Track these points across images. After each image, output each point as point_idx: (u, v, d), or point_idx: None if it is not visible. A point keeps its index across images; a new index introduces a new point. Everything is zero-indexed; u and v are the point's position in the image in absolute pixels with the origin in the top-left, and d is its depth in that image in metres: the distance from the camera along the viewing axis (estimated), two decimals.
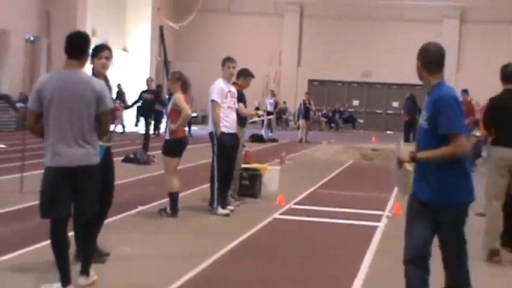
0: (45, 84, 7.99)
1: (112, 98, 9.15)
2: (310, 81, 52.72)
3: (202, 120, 35.04)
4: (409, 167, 6.64)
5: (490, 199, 11.07)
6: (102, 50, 9.60)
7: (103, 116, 8.23)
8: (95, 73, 9.26)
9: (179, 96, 13.38)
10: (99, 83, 8.33)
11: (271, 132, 38.87)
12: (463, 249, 6.66)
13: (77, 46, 8.18)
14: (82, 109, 7.95)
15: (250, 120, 19.78)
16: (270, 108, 41.70)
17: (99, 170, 8.49)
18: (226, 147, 13.77)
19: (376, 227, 13.09)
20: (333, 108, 53.07)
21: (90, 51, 8.83)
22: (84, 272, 8.44)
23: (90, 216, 8.47)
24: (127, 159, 22.04)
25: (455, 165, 6.60)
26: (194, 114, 31.47)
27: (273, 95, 44.49)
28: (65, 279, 7.96)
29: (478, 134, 18.73)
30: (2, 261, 9.47)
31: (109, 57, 9.65)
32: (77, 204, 8.17)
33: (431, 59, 6.84)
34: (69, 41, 8.15)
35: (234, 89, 14.21)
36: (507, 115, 10.95)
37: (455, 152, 6.50)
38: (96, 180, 8.40)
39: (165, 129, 15.15)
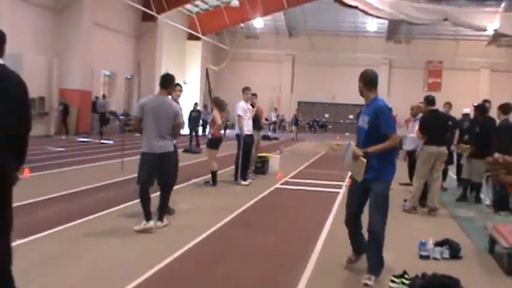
0: (146, 103, 8.63)
1: (182, 115, 9.17)
2: (299, 102, 52.38)
3: (232, 126, 34.93)
4: (364, 159, 6.29)
5: (419, 177, 11.21)
6: (178, 86, 10.15)
7: (176, 125, 8.74)
8: (173, 98, 9.39)
9: (216, 112, 13.55)
10: (176, 106, 8.93)
11: (274, 133, 38.82)
12: (385, 206, 6.43)
13: (166, 82, 8.79)
14: (165, 120, 8.54)
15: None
16: (273, 119, 41.83)
17: (173, 155, 9.06)
18: (246, 143, 13.90)
19: (338, 192, 13.16)
20: (313, 118, 53.16)
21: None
22: (160, 218, 8.70)
23: (168, 184, 8.93)
24: (186, 150, 22.18)
25: (388, 155, 6.47)
26: (228, 122, 31.50)
27: (276, 110, 44.45)
28: (148, 217, 8.35)
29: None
30: (112, 211, 9.53)
31: (181, 90, 10.43)
32: (160, 176, 8.66)
33: (369, 80, 6.62)
34: (162, 79, 8.85)
35: (250, 107, 14.29)
36: (433, 126, 11.21)
37: (392, 145, 6.39)
38: (171, 161, 9.00)
39: (208, 131, 15.13)
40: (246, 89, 14.35)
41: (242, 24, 47.20)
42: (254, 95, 14.98)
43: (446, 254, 7.58)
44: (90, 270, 6.34)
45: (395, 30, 49.76)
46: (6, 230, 5.05)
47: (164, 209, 8.90)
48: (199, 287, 5.96)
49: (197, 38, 43.62)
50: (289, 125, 46.66)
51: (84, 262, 6.63)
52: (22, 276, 5.34)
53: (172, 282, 6.04)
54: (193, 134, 24.90)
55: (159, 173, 8.62)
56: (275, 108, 45.14)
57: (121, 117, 32.94)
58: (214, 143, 13.57)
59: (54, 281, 5.87)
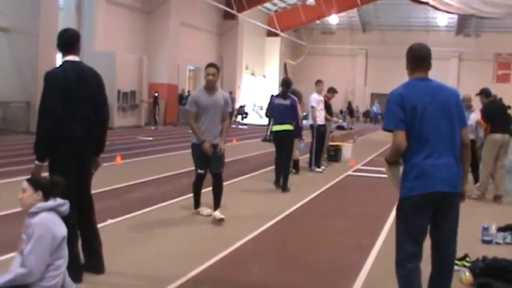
0: (197, 97, 7.87)
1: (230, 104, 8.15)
2: (372, 94, 51.90)
3: (305, 117, 34.79)
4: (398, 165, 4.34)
5: (486, 166, 10.82)
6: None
7: (228, 113, 8.05)
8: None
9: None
10: (227, 95, 8.23)
11: (349, 124, 38.36)
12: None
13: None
14: (217, 111, 7.85)
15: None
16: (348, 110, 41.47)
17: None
18: (319, 132, 13.81)
19: None
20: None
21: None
22: (216, 208, 7.94)
23: (218, 172, 7.89)
24: (264, 139, 22.32)
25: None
26: (304, 114, 31.33)
27: (349, 102, 43.96)
28: (197, 204, 8.16)
29: None
30: (175, 201, 9.61)
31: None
32: (212, 166, 7.84)
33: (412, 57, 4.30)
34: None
35: (323, 99, 14.16)
36: (495, 115, 10.92)
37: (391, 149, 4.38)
38: (222, 153, 7.92)
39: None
40: (318, 82, 14.25)
41: (318, 21, 46.97)
42: (332, 90, 14.92)
43: (508, 239, 7.34)
44: (172, 248, 6.49)
45: (465, 24, 48.16)
46: (90, 211, 5.33)
47: (220, 198, 8.03)
48: (268, 266, 6.01)
49: (276, 35, 43.70)
50: (362, 116, 46.38)
51: (165, 240, 6.79)
52: (110, 253, 5.54)
53: (244, 261, 6.11)
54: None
55: (209, 164, 7.89)
56: (349, 101, 44.61)
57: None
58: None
59: (142, 256, 6.05)
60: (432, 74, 4.35)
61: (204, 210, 8.22)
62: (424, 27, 49.81)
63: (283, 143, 11.11)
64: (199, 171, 7.98)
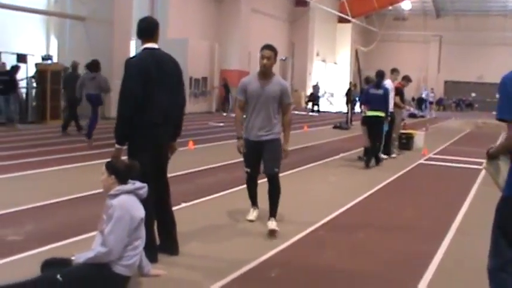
0: (247, 83, 6.62)
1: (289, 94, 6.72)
2: (446, 81, 50.85)
3: None
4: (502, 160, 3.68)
5: None
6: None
7: (287, 105, 6.64)
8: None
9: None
10: (285, 83, 6.83)
11: (422, 111, 37.54)
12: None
13: None
14: (269, 102, 6.49)
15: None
16: (424, 96, 40.50)
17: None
18: (390, 120, 13.61)
19: (481, 170, 12.63)
20: (459, 97, 50.85)
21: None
22: (271, 216, 6.61)
23: (272, 173, 6.57)
24: (335, 127, 22.26)
25: None
26: None
27: (426, 89, 42.97)
28: (254, 204, 7.10)
29: None
30: (219, 195, 9.75)
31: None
32: (264, 166, 6.58)
33: None
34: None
35: (393, 86, 13.78)
36: None
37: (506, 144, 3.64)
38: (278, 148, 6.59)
39: (360, 110, 14.85)
40: (394, 70, 14.05)
41: (390, 7, 46.18)
42: (407, 78, 14.79)
43: None
44: (244, 232, 6.57)
45: None
46: (166, 194, 5.48)
47: (277, 206, 6.70)
48: (339, 252, 6.01)
49: (347, 21, 43.18)
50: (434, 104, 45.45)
51: (236, 225, 6.88)
52: (184, 235, 5.68)
53: (315, 247, 6.13)
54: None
55: (263, 161, 6.65)
56: (432, 89, 43.53)
57: None
58: (365, 121, 13.22)
59: (214, 239, 6.17)
60: None
61: (251, 213, 7.13)
62: (502, 12, 48.20)
63: (374, 127, 12.30)
64: (245, 169, 6.84)
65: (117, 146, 5.11)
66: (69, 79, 16.65)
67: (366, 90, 13.19)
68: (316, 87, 35.75)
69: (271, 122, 6.53)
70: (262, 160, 6.62)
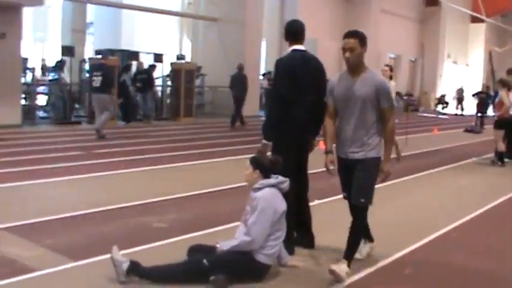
0: (334, 83, 5.06)
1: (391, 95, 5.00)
2: None
3: None
4: None
5: None
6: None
7: (387, 110, 4.87)
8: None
9: (503, 94, 12.64)
10: (382, 81, 4.90)
11: None
12: None
13: None
14: (357, 105, 4.83)
15: None
16: None
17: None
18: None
19: None
20: None
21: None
22: (346, 258, 4.94)
23: (356, 203, 5.03)
24: (467, 130, 21.61)
25: None
26: None
27: None
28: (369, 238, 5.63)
29: None
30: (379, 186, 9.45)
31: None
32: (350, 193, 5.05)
33: None
34: None
35: None
36: None
37: None
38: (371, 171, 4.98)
39: (494, 112, 14.31)
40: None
41: None
42: None
43: None
44: (375, 230, 6.67)
45: None
46: (305, 189, 5.75)
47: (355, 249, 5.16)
48: (472, 255, 5.97)
49: (481, 21, 41.64)
50: None
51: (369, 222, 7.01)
52: (318, 230, 5.88)
53: (447, 248, 6.16)
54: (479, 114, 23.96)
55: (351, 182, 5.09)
56: None
57: (405, 97, 33.07)
58: (500, 124, 12.74)
59: (346, 236, 6.32)
60: None
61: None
62: None
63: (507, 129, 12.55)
64: (342, 193, 5.30)
65: (264, 141, 5.45)
66: (236, 79, 18.40)
67: (498, 93, 12.98)
68: (460, 91, 35.45)
69: (366, 133, 4.88)
70: None
